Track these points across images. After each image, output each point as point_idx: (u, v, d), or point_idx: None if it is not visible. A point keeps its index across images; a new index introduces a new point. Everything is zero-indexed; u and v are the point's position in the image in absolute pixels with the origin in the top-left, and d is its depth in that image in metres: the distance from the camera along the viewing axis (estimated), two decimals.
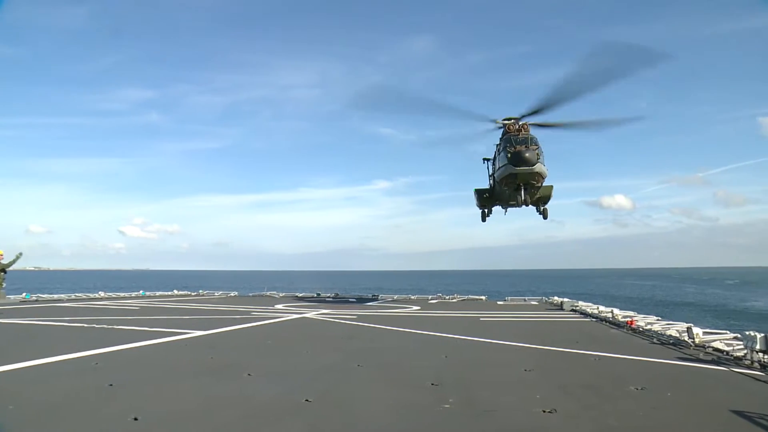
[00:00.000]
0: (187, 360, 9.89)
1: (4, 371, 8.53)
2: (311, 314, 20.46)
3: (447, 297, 34.76)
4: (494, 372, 8.84)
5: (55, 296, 31.28)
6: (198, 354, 10.57)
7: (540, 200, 27.41)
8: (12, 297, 27.30)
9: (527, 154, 22.02)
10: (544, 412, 6.12)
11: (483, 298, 34.19)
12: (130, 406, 6.18)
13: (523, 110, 25.06)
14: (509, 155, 22.62)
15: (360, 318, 18.98)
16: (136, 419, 5.69)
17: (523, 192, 23.52)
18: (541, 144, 24.28)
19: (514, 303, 30.26)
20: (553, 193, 28.28)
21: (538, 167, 22.39)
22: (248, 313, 21.00)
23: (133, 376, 8.19)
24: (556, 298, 30.03)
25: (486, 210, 27.48)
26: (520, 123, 24.46)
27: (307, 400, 6.58)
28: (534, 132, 25.31)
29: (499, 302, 31.30)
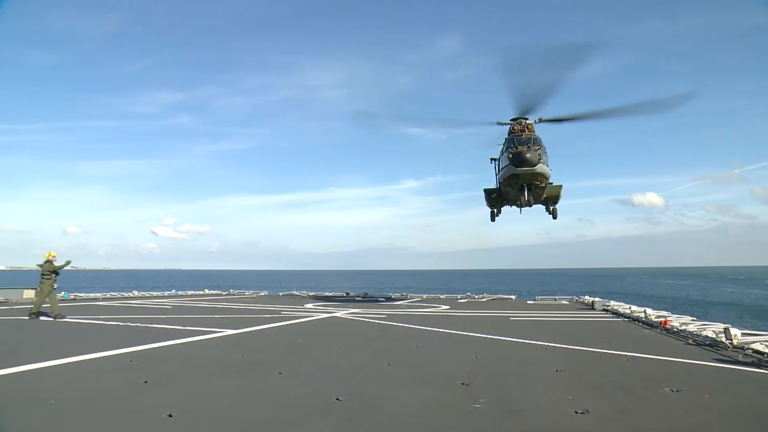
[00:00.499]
0: (218, 358, 10.03)
1: (45, 367, 8.81)
2: (341, 313, 20.55)
3: (476, 296, 34.56)
4: (525, 371, 8.75)
5: (92, 295, 32.17)
6: (229, 352, 10.71)
7: (548, 200, 27.69)
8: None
9: (528, 155, 22.01)
10: (576, 413, 6.02)
11: (513, 297, 33.91)
12: (165, 403, 6.30)
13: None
14: (510, 156, 22.76)
15: (389, 317, 19.01)
16: (170, 416, 5.79)
17: (526, 192, 23.67)
18: (546, 144, 24.45)
19: (544, 302, 30.01)
20: (562, 193, 28.59)
21: (540, 168, 22.41)
22: (278, 312, 21.19)
23: (166, 374, 8.34)
24: (587, 297, 29.62)
25: (495, 210, 27.41)
26: (525, 122, 24.52)
27: (337, 399, 6.61)
28: (547, 128, 25.56)
29: (528, 301, 31.05)
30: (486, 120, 25.86)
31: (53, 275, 17.92)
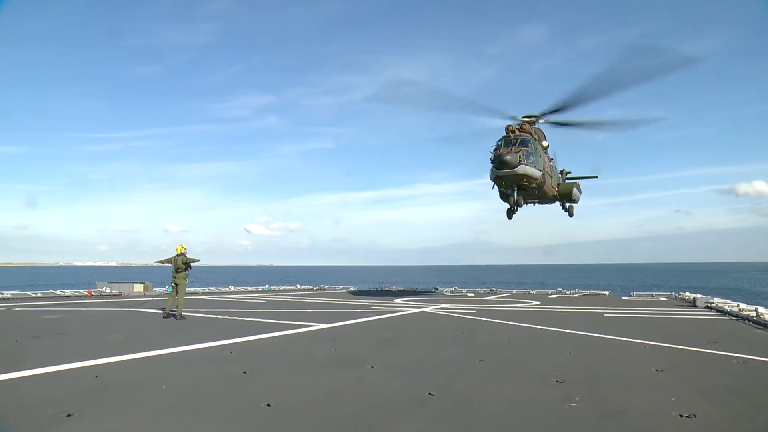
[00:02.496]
0: (312, 351, 10.35)
1: (156, 355, 9.52)
2: (430, 308, 20.61)
3: (567, 292, 33.55)
4: (622, 371, 8.40)
5: (191, 290, 34.02)
6: (322, 346, 11.01)
7: (562, 197, 28.78)
8: (157, 290, 30.21)
9: (507, 157, 22.25)
10: (681, 416, 5.69)
11: (606, 293, 32.70)
12: (263, 393, 6.59)
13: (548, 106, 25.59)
14: (492, 158, 23.12)
15: (479, 312, 18.85)
16: (269, 405, 6.03)
17: (515, 193, 23.84)
18: (543, 144, 25.44)
19: (641, 298, 28.69)
20: (580, 191, 30.01)
21: (521, 169, 22.39)
22: (368, 307, 21.54)
23: (263, 365, 8.72)
24: (687, 293, 27.93)
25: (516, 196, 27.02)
26: (521, 122, 24.77)
27: (430, 394, 6.64)
28: (552, 130, 26.57)
29: (623, 297, 29.86)
30: (508, 114, 25.96)
31: (187, 269, 17.03)
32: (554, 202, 29.32)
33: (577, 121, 25.82)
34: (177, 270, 16.76)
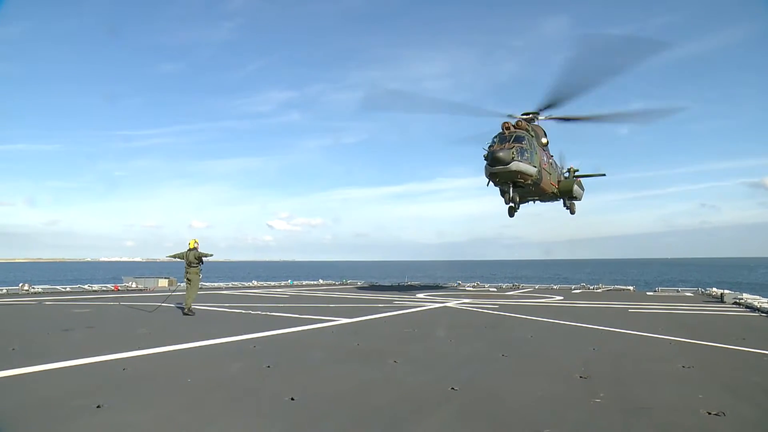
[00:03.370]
0: (335, 346, 10.41)
1: (180, 349, 9.68)
2: (452, 303, 20.57)
3: (591, 287, 33.20)
4: (648, 367, 8.29)
5: (215, 284, 34.54)
6: (345, 340, 11.09)
7: (563, 194, 28.75)
8: (181, 284, 30.58)
9: (500, 154, 22.25)
10: (709, 414, 5.59)
11: (630, 288, 32.27)
12: (287, 387, 6.65)
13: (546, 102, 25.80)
14: (485, 155, 23.18)
15: (502, 307, 18.77)
16: (292, 399, 6.09)
17: (511, 190, 23.77)
18: (542, 141, 25.49)
19: (666, 294, 28.29)
20: (582, 188, 29.96)
21: (514, 165, 22.39)
22: (390, 301, 21.58)
23: (287, 359, 8.79)
24: (714, 289, 27.41)
25: (513, 204, 26.76)
26: (516, 120, 24.68)
27: (453, 388, 6.64)
28: (552, 125, 26.68)
29: (648, 293, 29.48)
30: (506, 113, 25.99)
31: (200, 264, 16.74)
32: (555, 199, 29.47)
33: (581, 115, 25.92)
34: (189, 264, 16.51)
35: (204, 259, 16.76)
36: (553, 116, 26.26)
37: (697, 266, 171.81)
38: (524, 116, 25.78)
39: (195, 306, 16.61)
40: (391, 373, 7.78)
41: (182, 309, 16.21)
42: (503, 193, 24.54)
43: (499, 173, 22.87)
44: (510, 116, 25.15)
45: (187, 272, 16.52)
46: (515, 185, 23.72)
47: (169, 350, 9.54)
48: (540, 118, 26.33)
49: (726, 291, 23.57)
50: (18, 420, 5.30)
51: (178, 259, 16.79)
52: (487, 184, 24.29)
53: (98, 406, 5.68)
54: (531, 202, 29.10)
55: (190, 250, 16.64)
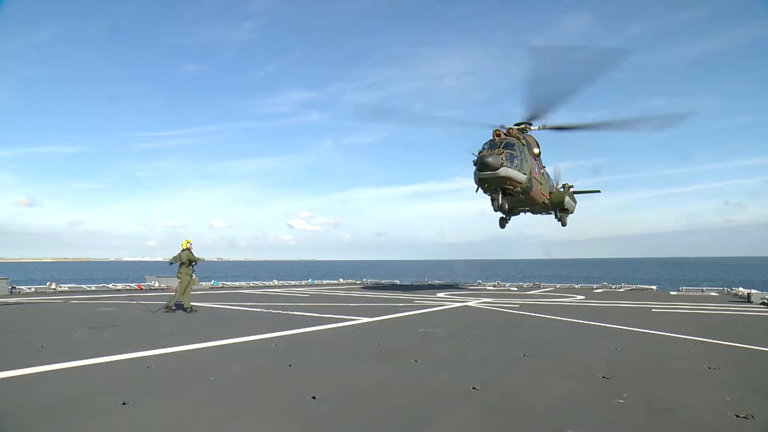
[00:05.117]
0: (356, 345, 10.46)
1: (202, 347, 9.78)
2: (473, 302, 20.51)
3: (613, 286, 32.86)
4: (672, 367, 8.16)
5: (236, 284, 34.87)
6: (366, 339, 11.11)
7: (554, 206, 28.80)
8: (203, 284, 31.11)
9: (489, 159, 22.25)
10: (737, 416, 5.46)
11: (653, 287, 31.88)
12: (308, 386, 6.68)
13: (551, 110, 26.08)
14: (474, 161, 23.29)
15: (522, 307, 18.66)
16: (314, 398, 6.12)
17: (500, 197, 23.67)
18: (534, 151, 25.81)
19: (690, 293, 27.86)
20: (574, 200, 30.10)
21: (503, 171, 22.31)
22: (411, 301, 21.58)
23: (308, 358, 8.84)
24: (741, 288, 26.88)
25: (504, 215, 27.00)
26: (508, 128, 24.74)
27: (474, 388, 6.62)
28: (547, 135, 26.95)
29: (672, 292, 29.06)
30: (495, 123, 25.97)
31: (191, 265, 16.92)
32: (547, 211, 29.45)
33: (576, 124, 26.14)
34: (183, 264, 16.73)
35: (194, 263, 16.98)
36: (547, 126, 26.38)
37: (723, 265, 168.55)
38: (517, 126, 25.93)
39: (217, 305, 16.90)
40: (412, 372, 7.77)
41: (184, 309, 16.33)
42: (492, 201, 24.52)
43: (487, 179, 22.89)
44: (502, 126, 25.32)
45: (180, 272, 16.77)
46: (504, 192, 23.64)
47: (191, 348, 9.66)
48: (533, 128, 26.43)
49: (753, 291, 23.10)
50: (47, 415, 5.41)
51: (176, 262, 16.96)
52: (476, 191, 24.31)
53: (124, 403, 5.78)
54: (522, 214, 29.30)
55: (183, 250, 16.87)
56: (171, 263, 17.12)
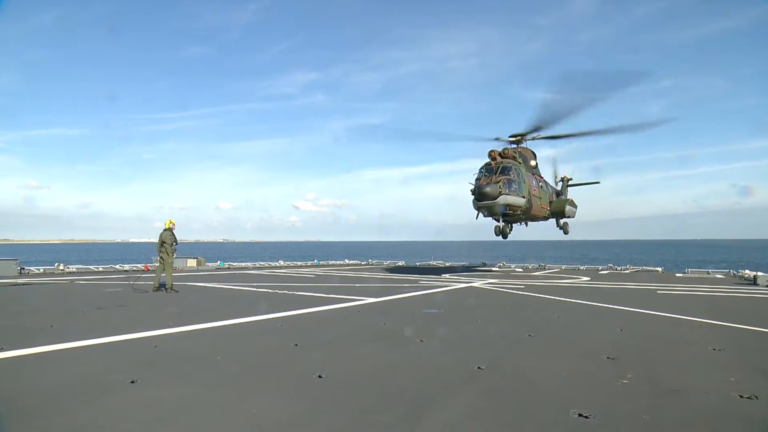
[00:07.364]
0: (361, 325, 10.52)
1: (209, 327, 9.87)
2: (478, 283, 20.55)
3: (618, 268, 32.82)
4: (676, 349, 8.19)
5: (243, 264, 35.04)
6: (371, 319, 11.17)
7: (555, 215, 28.90)
8: (210, 264, 31.31)
9: (487, 189, 22.38)
10: (741, 397, 5.48)
11: (659, 269, 31.82)
12: (314, 365, 6.73)
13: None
14: (472, 189, 23.41)
15: (528, 288, 18.69)
16: (320, 377, 6.17)
17: (500, 220, 24.06)
18: (531, 164, 25.90)
19: (696, 275, 27.80)
20: (574, 206, 30.04)
21: (502, 199, 22.44)
22: (416, 281, 21.65)
23: (314, 338, 8.91)
24: (747, 271, 26.78)
25: (502, 224, 26.81)
26: (503, 147, 24.77)
27: (479, 368, 6.65)
28: (541, 144, 27.15)
29: (677, 274, 28.98)
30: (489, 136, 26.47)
31: (172, 245, 16.80)
32: (547, 220, 29.31)
33: (570, 132, 26.20)
34: (164, 243, 16.64)
35: (171, 244, 16.79)
36: (541, 136, 26.42)
37: (730, 248, 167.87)
38: (512, 138, 25.96)
39: (224, 286, 16.97)
40: (417, 352, 7.82)
41: (165, 288, 16.36)
42: (495, 227, 24.71)
43: (487, 207, 22.99)
44: (497, 139, 25.25)
45: (159, 251, 16.73)
46: (504, 215, 23.82)
47: (198, 328, 9.74)
48: (527, 139, 26.50)
49: (759, 273, 23.01)
50: (57, 393, 5.48)
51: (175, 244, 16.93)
52: (477, 217, 24.45)
53: (132, 382, 5.85)
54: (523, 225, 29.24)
55: (165, 230, 16.87)
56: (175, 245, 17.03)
